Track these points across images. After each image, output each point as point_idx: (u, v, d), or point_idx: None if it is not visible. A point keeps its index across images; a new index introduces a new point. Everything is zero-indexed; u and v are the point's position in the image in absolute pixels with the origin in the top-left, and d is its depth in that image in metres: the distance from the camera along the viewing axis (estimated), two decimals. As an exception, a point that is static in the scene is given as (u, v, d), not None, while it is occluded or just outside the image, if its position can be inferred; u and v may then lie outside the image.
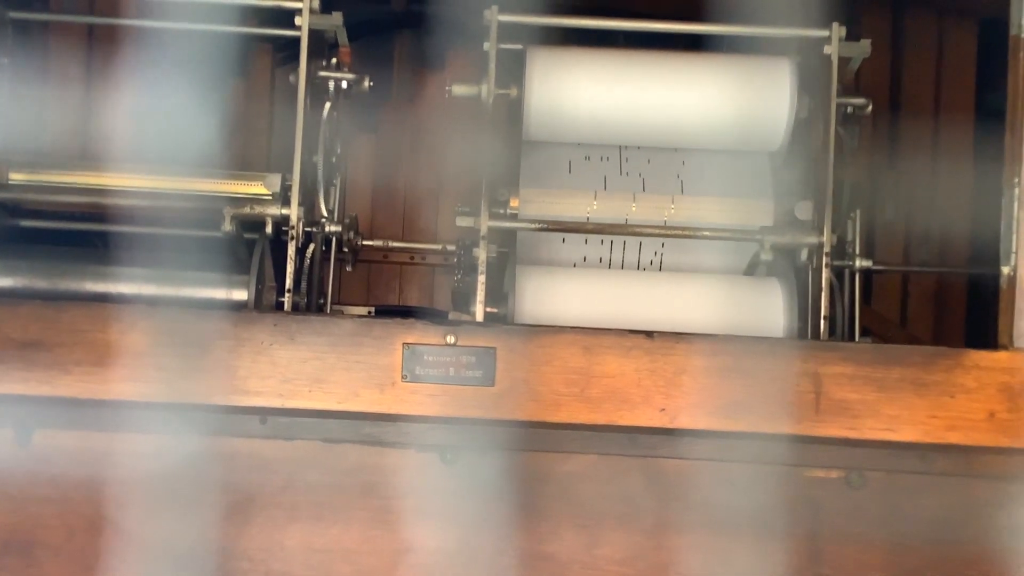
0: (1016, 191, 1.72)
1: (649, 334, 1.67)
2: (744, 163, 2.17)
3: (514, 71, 2.08)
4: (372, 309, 2.71)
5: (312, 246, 2.05)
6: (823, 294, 1.93)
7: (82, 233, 2.14)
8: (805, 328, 1.98)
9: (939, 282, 3.15)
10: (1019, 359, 1.67)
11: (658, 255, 2.14)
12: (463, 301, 2.07)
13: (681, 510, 1.72)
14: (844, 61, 2.01)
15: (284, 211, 1.96)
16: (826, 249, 1.94)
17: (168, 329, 1.65)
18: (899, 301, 3.14)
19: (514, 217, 2.05)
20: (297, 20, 1.97)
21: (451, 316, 2.06)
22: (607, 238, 2.12)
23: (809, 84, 2.08)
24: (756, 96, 2.09)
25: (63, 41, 2.81)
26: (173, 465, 1.72)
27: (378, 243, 2.58)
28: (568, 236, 2.11)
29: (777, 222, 2.07)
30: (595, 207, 2.10)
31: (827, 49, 1.99)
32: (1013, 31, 1.75)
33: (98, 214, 2.14)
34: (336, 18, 2.01)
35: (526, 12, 2.02)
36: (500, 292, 2.04)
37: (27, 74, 2.16)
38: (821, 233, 1.95)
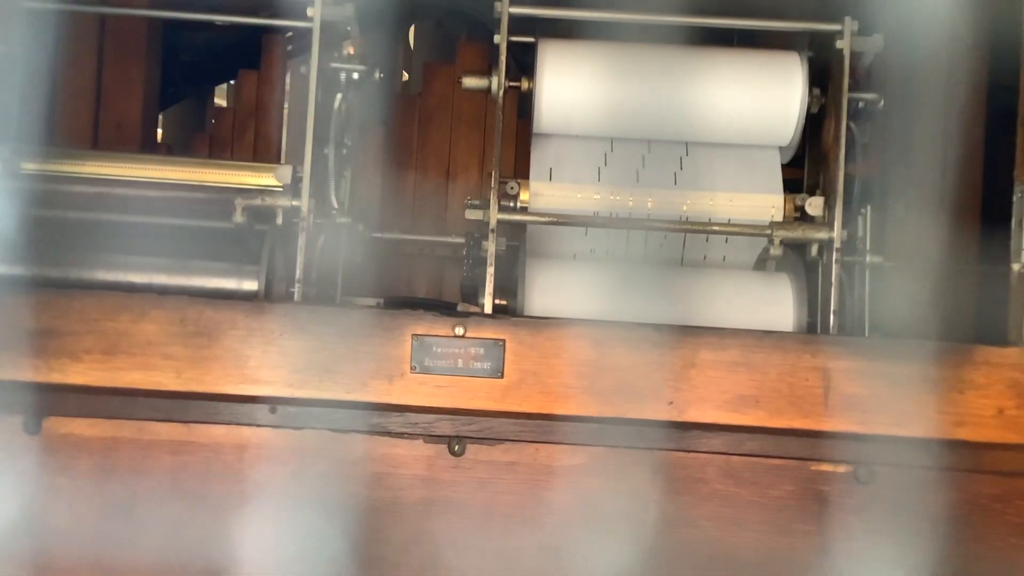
0: (1027, 187, 1.72)
1: (657, 327, 1.67)
2: (754, 157, 2.17)
3: (525, 63, 2.08)
4: (381, 300, 2.71)
5: (322, 237, 2.06)
6: (833, 290, 1.93)
7: (93, 222, 2.15)
8: (815, 323, 1.98)
9: (949, 278, 3.14)
10: (1028, 356, 1.67)
11: (667, 248, 2.14)
12: (472, 293, 2.08)
13: (689, 504, 1.73)
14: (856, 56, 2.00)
15: (295, 202, 1.96)
16: (836, 245, 1.94)
17: (178, 318, 1.65)
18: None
19: (524, 210, 2.05)
20: (309, 11, 1.97)
21: (460, 308, 2.07)
22: (616, 232, 2.12)
23: (820, 78, 2.07)
24: (767, 90, 2.08)
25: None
26: (182, 454, 1.72)
27: (388, 235, 2.58)
28: (577, 229, 2.11)
29: (787, 217, 2.07)
30: (604, 201, 2.10)
31: (839, 43, 1.99)
32: (1025, 28, 1.75)
33: (109, 204, 2.14)
34: (348, 9, 2.01)
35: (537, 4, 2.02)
36: (509, 285, 2.04)
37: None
38: (831, 228, 1.95)
